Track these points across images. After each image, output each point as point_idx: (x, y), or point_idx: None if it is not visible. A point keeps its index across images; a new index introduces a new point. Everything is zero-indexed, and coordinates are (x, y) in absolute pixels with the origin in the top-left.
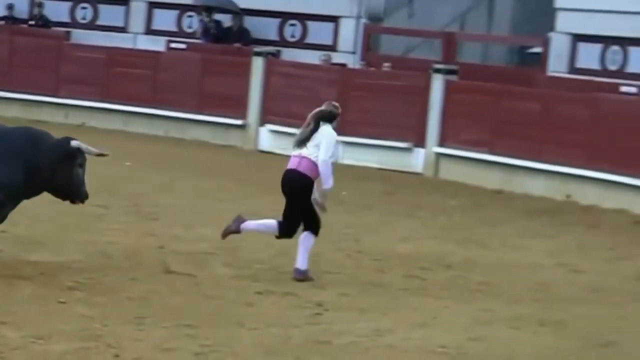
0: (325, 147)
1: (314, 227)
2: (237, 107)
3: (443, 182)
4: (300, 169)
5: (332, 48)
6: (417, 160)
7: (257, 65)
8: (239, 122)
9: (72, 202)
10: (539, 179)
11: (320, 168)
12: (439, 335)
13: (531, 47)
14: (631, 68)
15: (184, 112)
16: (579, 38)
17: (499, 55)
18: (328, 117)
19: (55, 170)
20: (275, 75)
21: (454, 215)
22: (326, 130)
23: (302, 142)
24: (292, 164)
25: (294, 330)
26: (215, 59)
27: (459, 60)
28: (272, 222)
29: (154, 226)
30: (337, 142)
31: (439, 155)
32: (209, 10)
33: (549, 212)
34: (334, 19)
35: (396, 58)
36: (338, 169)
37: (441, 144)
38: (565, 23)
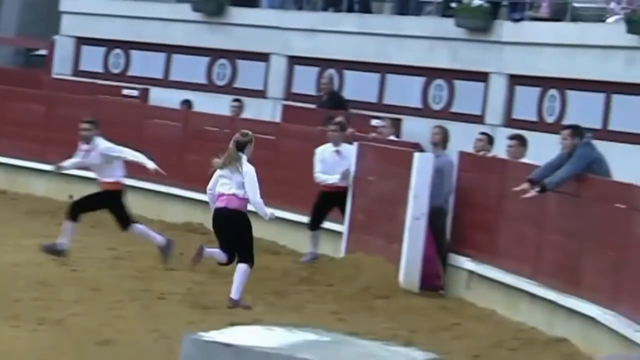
0: (252, 186)
1: (253, 259)
2: None
3: None
4: (231, 206)
5: None
6: None
7: None
8: None
9: None
10: (42, 180)
11: (257, 209)
12: None
13: (37, 49)
14: (133, 71)
15: None
16: (83, 41)
17: (5, 57)
18: (241, 146)
19: None
20: None
21: None
22: (245, 167)
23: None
24: (221, 203)
25: None
26: None
27: None
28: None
29: None
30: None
31: None
32: None
33: (50, 213)
34: None
35: None
36: None
37: None
38: (70, 26)
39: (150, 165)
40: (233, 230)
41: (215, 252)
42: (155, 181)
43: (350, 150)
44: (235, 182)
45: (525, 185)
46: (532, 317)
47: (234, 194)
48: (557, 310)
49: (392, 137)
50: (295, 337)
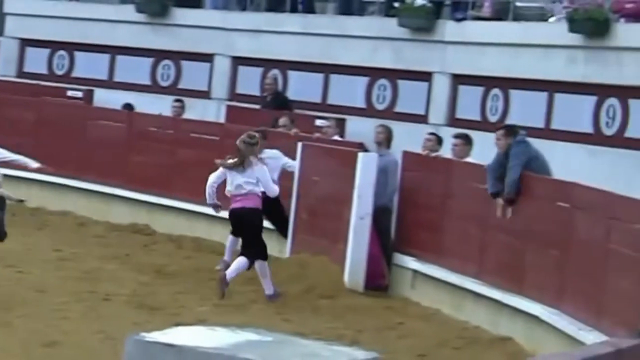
0: (268, 180)
1: (264, 253)
2: None
3: None
4: (248, 205)
5: None
6: None
7: None
8: None
9: None
10: None
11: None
12: None
13: None
14: (77, 73)
15: None
16: (27, 43)
17: None
18: (251, 147)
19: None
20: None
21: None
22: (258, 165)
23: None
24: (239, 203)
25: None
26: None
27: None
28: (240, 260)
29: None
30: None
31: None
32: None
33: None
34: None
35: None
36: None
37: None
38: (14, 28)
39: (33, 165)
40: (252, 228)
41: (236, 270)
42: (99, 182)
43: (275, 153)
44: (250, 181)
45: (499, 203)
46: (476, 316)
47: (250, 192)
48: (502, 309)
49: (336, 137)
50: (237, 337)
